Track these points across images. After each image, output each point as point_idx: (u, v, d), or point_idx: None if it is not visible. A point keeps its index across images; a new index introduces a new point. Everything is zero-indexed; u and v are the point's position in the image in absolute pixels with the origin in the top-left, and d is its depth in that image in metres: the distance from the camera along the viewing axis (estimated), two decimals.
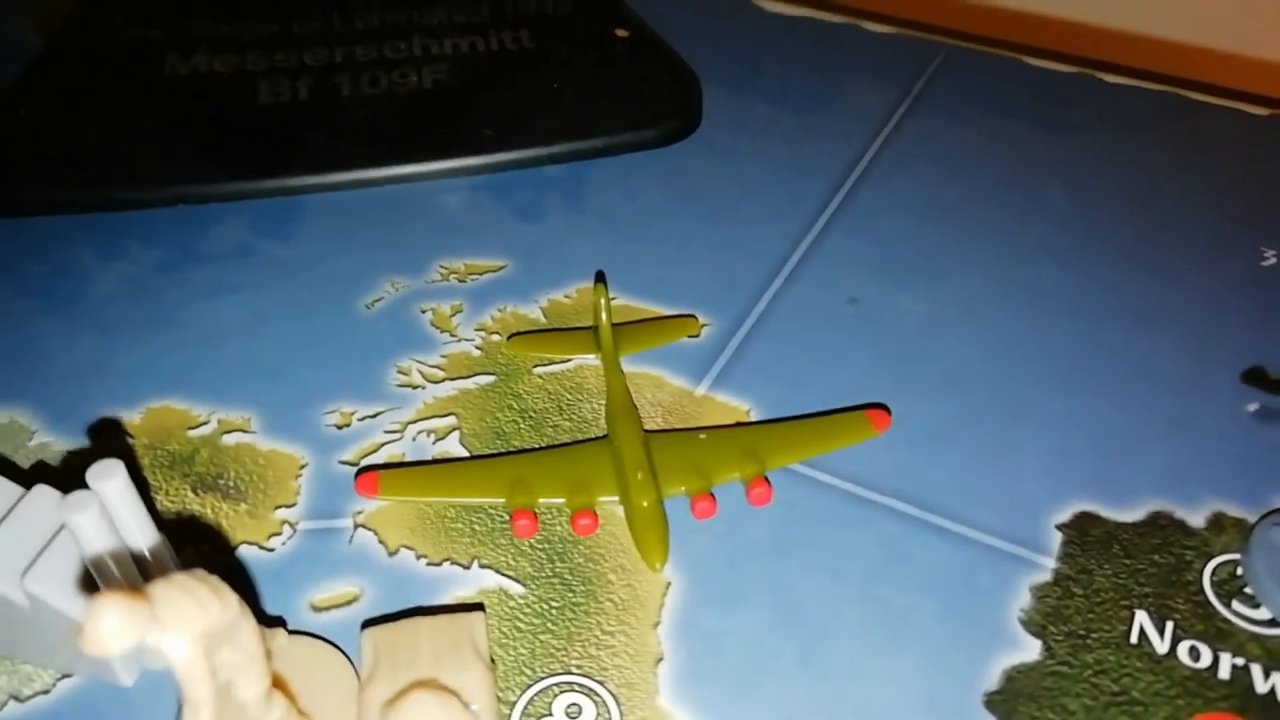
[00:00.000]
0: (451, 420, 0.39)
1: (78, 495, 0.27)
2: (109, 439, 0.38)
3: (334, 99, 0.52)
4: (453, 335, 0.42)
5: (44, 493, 0.31)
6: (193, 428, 0.38)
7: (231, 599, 0.24)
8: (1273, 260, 0.45)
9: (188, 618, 0.23)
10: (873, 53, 0.59)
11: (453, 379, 0.40)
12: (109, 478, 0.28)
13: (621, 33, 0.57)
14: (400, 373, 0.40)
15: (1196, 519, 0.35)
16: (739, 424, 0.38)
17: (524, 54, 0.55)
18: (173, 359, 0.41)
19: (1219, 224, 0.47)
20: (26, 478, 0.32)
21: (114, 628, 0.21)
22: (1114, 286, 0.44)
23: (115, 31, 0.56)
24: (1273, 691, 0.31)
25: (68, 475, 0.36)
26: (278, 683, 0.27)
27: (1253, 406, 0.34)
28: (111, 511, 0.28)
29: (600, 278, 0.42)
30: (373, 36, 0.56)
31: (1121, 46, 0.67)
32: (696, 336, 0.42)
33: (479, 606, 0.32)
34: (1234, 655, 0.32)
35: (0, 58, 0.56)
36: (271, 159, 0.49)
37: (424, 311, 0.43)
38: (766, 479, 0.35)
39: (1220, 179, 0.49)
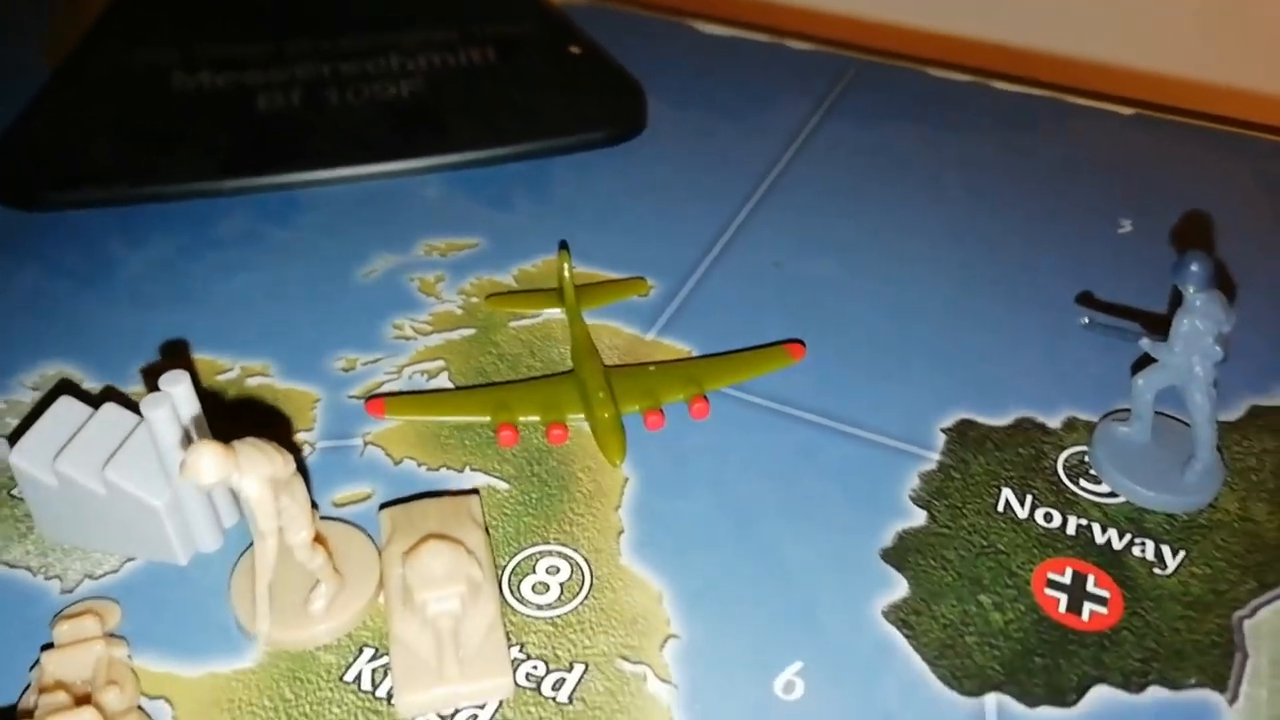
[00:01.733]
0: (441, 364, 0.46)
1: (154, 395, 0.34)
2: (151, 384, 0.45)
3: (324, 108, 0.60)
4: (438, 299, 0.49)
5: (112, 408, 0.37)
6: (220, 374, 0.45)
7: (290, 458, 0.31)
8: (1128, 228, 0.54)
9: (260, 465, 0.30)
10: (795, 66, 0.68)
11: (440, 332, 0.48)
12: (177, 383, 0.35)
13: (576, 49, 0.65)
14: (395, 328, 0.48)
15: (1054, 422, 0.43)
16: (682, 359, 0.46)
17: (490, 68, 0.63)
18: (198, 324, 0.48)
19: (1088, 202, 0.56)
20: None
21: (208, 464, 0.28)
22: (997, 253, 0.52)
23: (126, 54, 0.63)
24: (1109, 543, 0.39)
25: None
26: (319, 540, 0.34)
27: (1084, 320, 0.42)
28: (178, 409, 0.35)
29: (563, 245, 0.49)
30: (356, 54, 0.64)
31: (1011, 59, 0.76)
32: (645, 295, 0.50)
33: (474, 492, 0.39)
34: (1079, 518, 0.40)
35: (17, 80, 0.63)
36: (271, 159, 0.57)
37: (411, 280, 0.50)
38: (705, 398, 0.43)
39: (1091, 167, 0.58)
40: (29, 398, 0.44)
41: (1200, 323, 0.38)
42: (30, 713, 0.30)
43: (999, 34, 0.77)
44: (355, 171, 0.57)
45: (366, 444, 0.42)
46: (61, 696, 0.30)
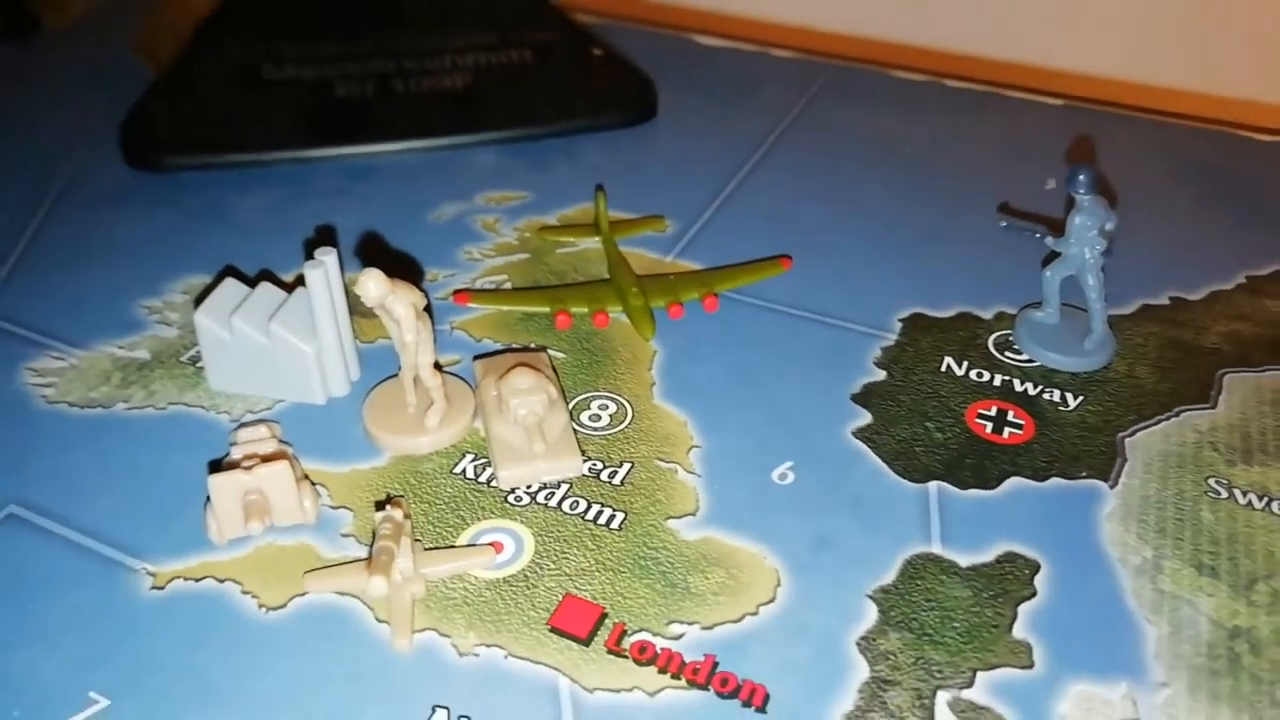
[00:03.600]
0: (504, 278, 0.58)
1: (311, 262, 0.46)
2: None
3: (392, 94, 0.72)
4: (497, 233, 0.62)
5: (267, 285, 0.49)
6: None
7: (423, 296, 0.43)
8: (1052, 186, 0.67)
9: (407, 292, 0.42)
10: (780, 69, 0.81)
11: (501, 256, 0.60)
12: (328, 254, 0.46)
13: (598, 52, 0.78)
14: (465, 253, 0.60)
15: (986, 314, 0.56)
16: (695, 270, 0.58)
17: (527, 65, 0.76)
18: (304, 251, 0.60)
19: (1022, 167, 0.68)
20: None
21: (374, 283, 0.40)
22: (946, 198, 0.65)
23: (223, 52, 0.76)
24: (1025, 391, 0.51)
25: None
26: (436, 367, 0.45)
27: (1003, 223, 0.54)
28: (329, 274, 0.46)
29: (599, 187, 0.62)
30: (415, 54, 0.76)
31: (962, 64, 0.90)
32: (663, 231, 0.62)
33: (544, 349, 0.51)
34: (1003, 375, 0.52)
35: (119, 74, 0.75)
36: (351, 132, 0.69)
37: (474, 220, 0.63)
38: (715, 295, 0.55)
39: (1026, 144, 0.71)
40: (180, 299, 0.56)
41: (1088, 219, 0.50)
42: (235, 463, 0.41)
43: (951, 43, 0.91)
44: (421, 144, 0.70)
45: (453, 329, 0.54)
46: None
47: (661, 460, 0.46)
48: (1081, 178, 0.50)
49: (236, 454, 0.42)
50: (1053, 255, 0.53)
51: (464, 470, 0.46)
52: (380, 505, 0.42)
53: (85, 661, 0.38)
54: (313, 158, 0.68)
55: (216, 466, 0.43)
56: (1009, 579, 0.41)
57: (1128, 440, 0.48)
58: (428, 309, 0.45)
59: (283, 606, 0.40)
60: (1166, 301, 0.57)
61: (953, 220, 0.63)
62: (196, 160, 0.67)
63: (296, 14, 0.80)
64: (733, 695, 0.37)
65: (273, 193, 0.65)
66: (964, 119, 0.75)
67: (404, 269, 0.58)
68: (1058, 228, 0.53)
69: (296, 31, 0.78)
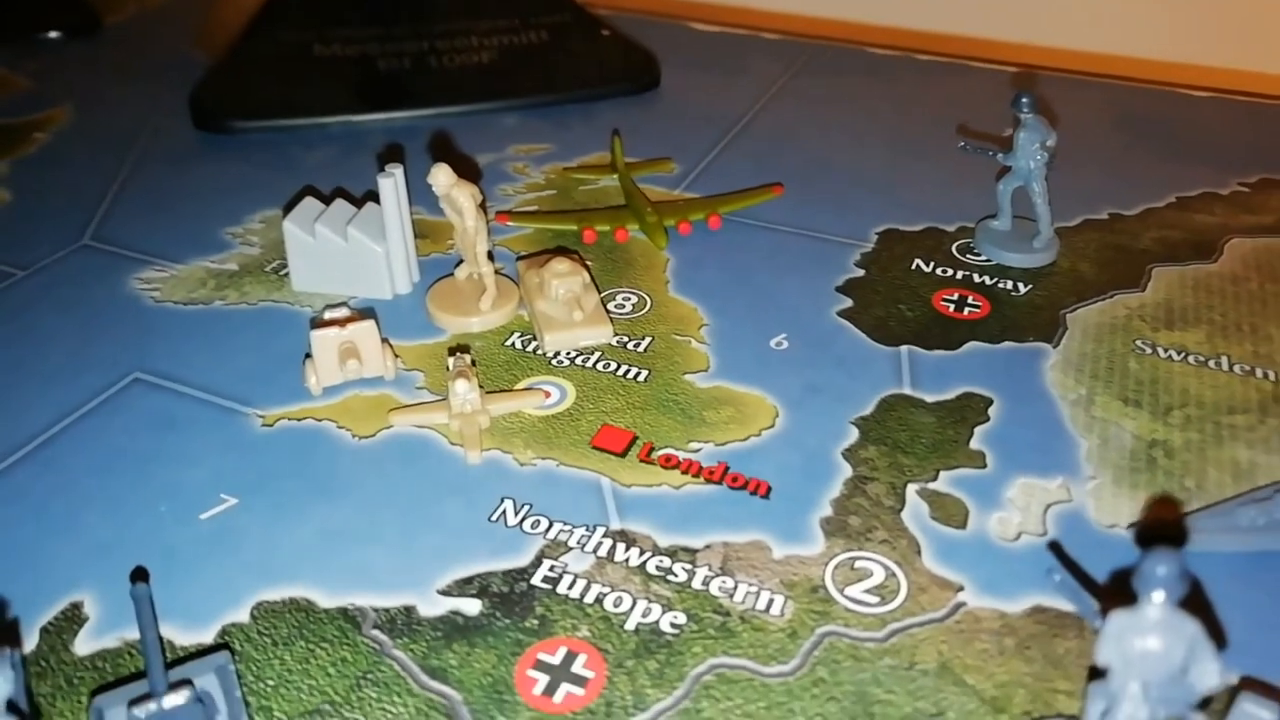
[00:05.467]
0: (536, 208, 0.67)
1: (384, 173, 0.55)
2: None
3: (427, 69, 0.82)
4: (526, 175, 0.71)
5: (340, 201, 0.58)
6: None
7: (481, 193, 0.52)
8: (964, 145, 0.76)
9: (470, 186, 0.51)
10: (769, 49, 0.91)
11: (531, 191, 0.69)
12: (397, 168, 0.55)
13: (606, 32, 0.88)
14: (499, 190, 0.69)
15: (950, 228, 0.65)
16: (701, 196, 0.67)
17: (544, 44, 0.86)
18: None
19: (980, 122, 0.78)
20: None
21: (444, 174, 0.50)
22: (912, 140, 0.75)
23: (277, 34, 0.86)
24: (983, 282, 0.60)
25: None
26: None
27: (961, 145, 0.64)
28: (397, 186, 0.55)
29: (615, 132, 0.71)
30: (445, 35, 0.86)
31: (931, 40, 1.00)
32: (671, 172, 0.71)
33: (576, 253, 0.60)
34: (964, 271, 0.61)
35: (181, 60, 0.85)
36: (393, 100, 0.78)
37: (505, 165, 0.72)
38: (719, 215, 0.64)
39: (986, 102, 0.81)
40: (258, 226, 0.65)
41: (1031, 135, 0.59)
42: (330, 322, 0.50)
43: (921, 23, 1.01)
44: (454, 109, 0.79)
45: (496, 244, 0.63)
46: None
47: (677, 335, 0.55)
48: (1024, 100, 0.59)
49: (329, 315, 0.50)
50: (1005, 171, 0.62)
51: (512, 343, 0.54)
52: (451, 352, 0.51)
53: (214, 475, 0.46)
54: (359, 122, 0.78)
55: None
56: (967, 410, 0.50)
57: (1069, 315, 0.57)
58: (482, 205, 0.54)
59: (372, 436, 0.48)
60: (1106, 216, 0.67)
61: (919, 159, 0.73)
62: (260, 124, 0.76)
63: (341, 2, 0.90)
64: (741, 489, 0.45)
65: (328, 149, 0.74)
66: (931, 84, 0.84)
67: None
68: (1008, 146, 0.62)
69: (341, 17, 0.88)
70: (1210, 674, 0.29)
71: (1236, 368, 0.53)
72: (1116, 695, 0.30)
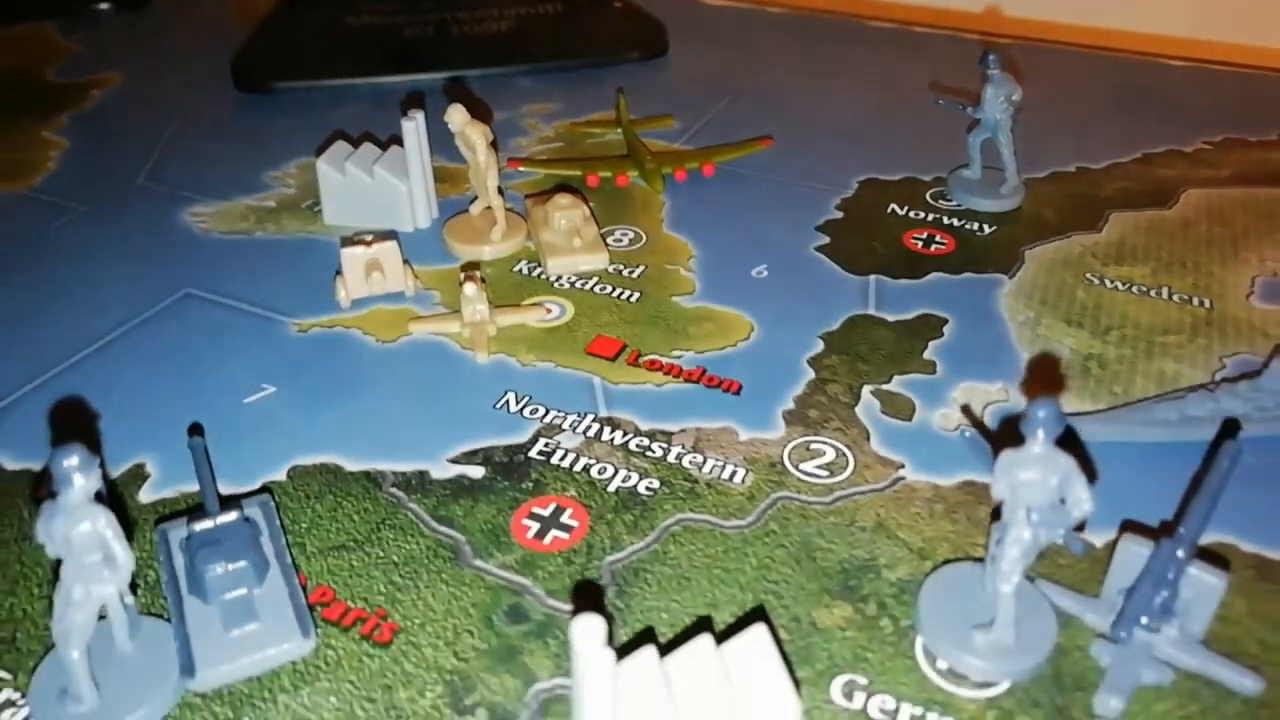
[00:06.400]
0: (545, 158, 0.73)
1: (407, 118, 0.61)
2: None
3: (450, 36, 0.88)
4: (538, 130, 0.77)
5: (367, 145, 0.65)
6: None
7: (492, 133, 0.58)
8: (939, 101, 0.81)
9: (480, 125, 0.57)
10: (770, 22, 0.97)
11: (541, 144, 0.75)
12: (419, 113, 0.62)
13: (619, 4, 0.94)
14: (514, 143, 0.75)
15: (927, 179, 0.70)
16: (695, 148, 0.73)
17: (560, 15, 0.92)
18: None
19: (953, 78, 0.83)
20: None
21: (460, 113, 0.56)
22: (891, 95, 0.80)
23: (310, 6, 0.92)
24: (952, 223, 0.65)
25: None
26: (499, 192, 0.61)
27: (937, 101, 0.69)
28: (419, 129, 0.62)
29: (620, 90, 0.77)
30: (467, 7, 0.93)
31: (927, 14, 1.05)
32: (671, 128, 0.77)
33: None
34: (935, 214, 0.66)
35: (223, 38, 0.92)
36: (415, 65, 0.85)
37: (521, 121, 0.78)
38: (713, 164, 0.70)
39: (958, 72, 0.86)
40: (294, 171, 0.71)
41: (997, 90, 0.65)
42: (357, 242, 0.56)
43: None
44: (473, 72, 0.85)
45: (508, 188, 0.69)
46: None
47: (669, 265, 0.61)
48: (991, 57, 0.65)
49: (357, 238, 0.57)
50: (975, 124, 0.68)
51: (520, 269, 0.61)
52: (464, 269, 0.57)
53: (255, 370, 0.53)
54: (386, 83, 0.84)
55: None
56: (924, 327, 0.56)
57: (1028, 251, 0.63)
58: (493, 145, 0.60)
59: (393, 341, 0.55)
60: (1073, 169, 0.72)
61: (905, 119, 0.79)
62: (295, 84, 0.83)
63: None
64: (716, 387, 0.51)
65: (358, 107, 0.81)
66: (923, 54, 0.90)
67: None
68: (978, 102, 0.67)
69: None
70: (1083, 501, 0.35)
71: (1175, 297, 0.58)
72: (1008, 523, 0.36)
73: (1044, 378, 0.52)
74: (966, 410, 0.49)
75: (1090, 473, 0.42)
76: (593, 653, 0.29)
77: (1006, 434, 0.38)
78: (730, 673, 0.33)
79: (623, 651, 0.32)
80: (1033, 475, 0.35)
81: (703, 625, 0.39)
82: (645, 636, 0.39)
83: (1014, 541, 0.36)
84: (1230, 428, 0.46)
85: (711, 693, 0.32)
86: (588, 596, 0.40)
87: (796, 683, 0.37)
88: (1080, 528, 0.36)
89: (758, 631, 0.34)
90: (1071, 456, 0.35)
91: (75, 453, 0.32)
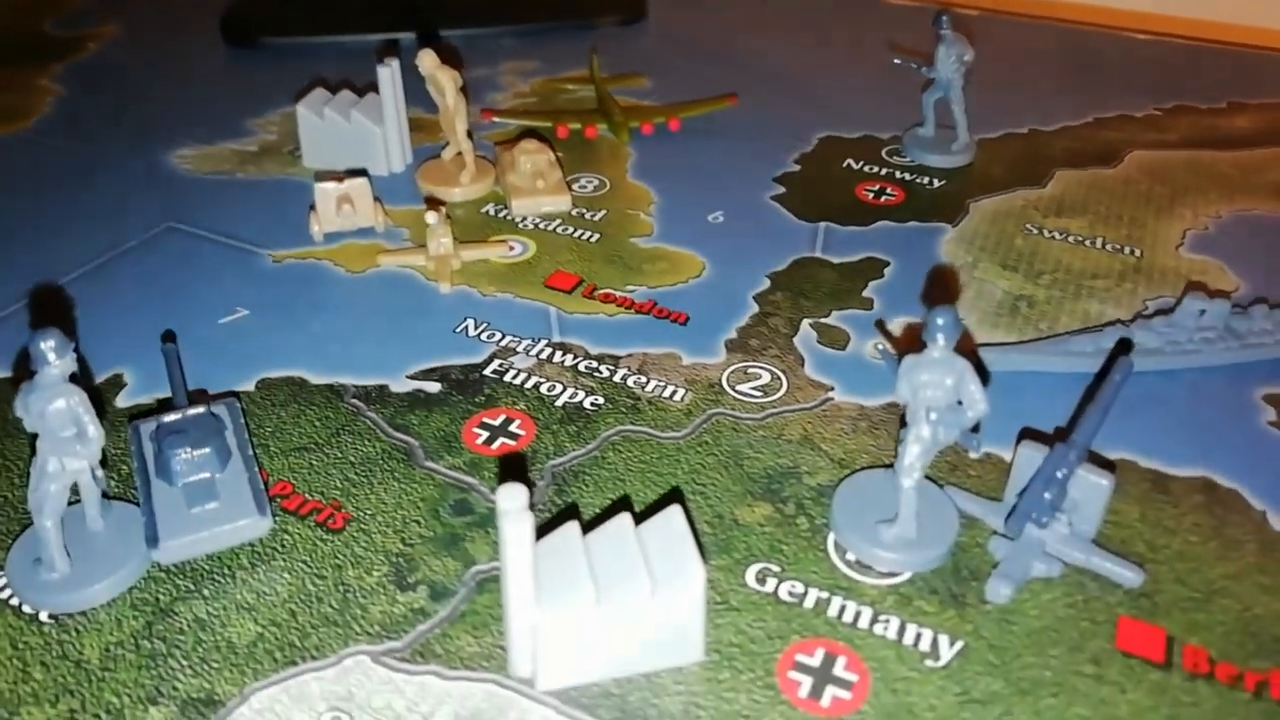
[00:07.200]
0: (518, 109, 0.76)
1: (382, 64, 0.64)
2: None
3: (440, 2, 0.91)
4: (515, 86, 0.80)
5: (346, 91, 0.67)
6: None
7: (461, 78, 0.61)
8: (898, 61, 0.84)
9: (450, 70, 0.60)
10: None
11: (517, 99, 0.78)
12: (394, 60, 0.65)
13: None
14: (490, 98, 0.78)
15: (884, 136, 0.73)
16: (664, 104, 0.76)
17: None
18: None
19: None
20: None
21: (431, 58, 0.59)
22: (857, 70, 0.83)
23: None
24: (904, 178, 0.68)
25: None
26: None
27: (895, 60, 0.72)
28: (394, 74, 0.65)
29: (594, 48, 0.80)
30: None
31: None
32: (643, 87, 0.80)
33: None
34: (888, 169, 0.69)
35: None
36: (398, 24, 0.88)
37: (498, 78, 0.81)
38: (680, 119, 0.73)
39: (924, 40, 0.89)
40: (277, 119, 0.74)
41: (950, 50, 0.68)
42: (330, 178, 0.59)
43: None
44: (456, 32, 0.88)
45: (481, 139, 0.72)
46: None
47: (629, 210, 0.64)
48: (944, 18, 0.68)
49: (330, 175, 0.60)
50: (929, 84, 0.70)
51: (487, 211, 0.64)
52: (428, 203, 0.60)
53: (231, 295, 0.56)
54: (372, 41, 0.87)
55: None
56: (866, 269, 0.59)
57: (973, 204, 0.66)
58: (464, 90, 0.63)
59: (362, 272, 0.58)
60: (1026, 131, 0.75)
61: (869, 83, 0.82)
62: (283, 40, 0.86)
63: None
64: (664, 318, 0.54)
65: (342, 62, 0.84)
66: (892, 25, 0.93)
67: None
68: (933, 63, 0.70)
69: None
70: (977, 401, 0.38)
71: (1109, 246, 0.61)
72: (910, 423, 0.39)
73: (943, 289, 0.56)
74: (880, 325, 0.53)
75: (983, 376, 0.45)
76: (514, 513, 0.32)
77: (915, 346, 0.40)
78: (644, 545, 0.36)
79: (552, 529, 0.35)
80: (931, 377, 0.38)
81: (624, 506, 0.42)
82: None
83: (915, 440, 0.39)
84: (1124, 346, 0.50)
85: (626, 561, 0.35)
86: (514, 471, 0.44)
87: (705, 557, 0.40)
88: (977, 429, 0.39)
89: (672, 512, 0.37)
90: (966, 360, 0.38)
91: (52, 336, 0.35)
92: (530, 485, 0.44)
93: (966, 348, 0.48)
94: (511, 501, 0.33)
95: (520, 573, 0.33)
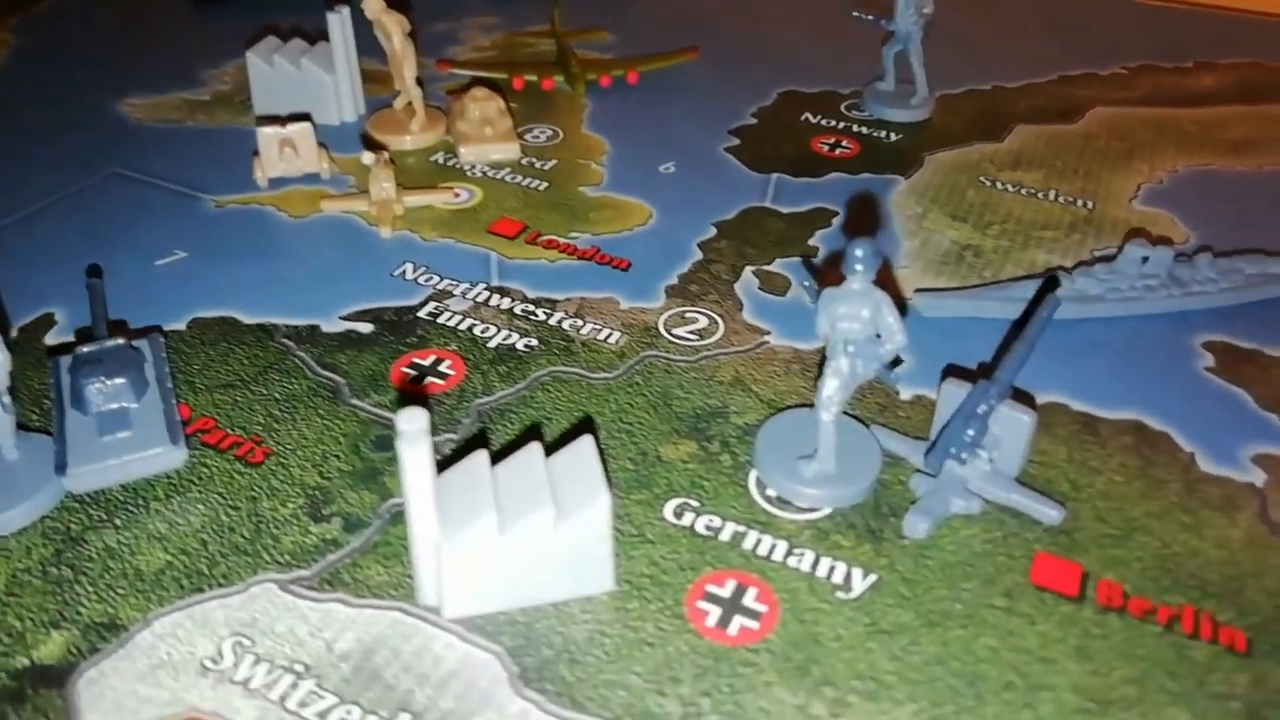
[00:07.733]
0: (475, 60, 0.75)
1: (332, 11, 0.63)
2: None
3: None
4: (476, 40, 0.79)
5: (298, 39, 0.67)
6: None
7: (409, 23, 0.61)
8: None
9: (397, 15, 0.59)
10: None
11: (477, 52, 0.77)
12: (344, 8, 0.64)
13: None
14: (450, 51, 0.77)
15: (845, 91, 0.73)
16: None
17: None
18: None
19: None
20: None
21: (375, 1, 0.58)
22: (817, 31, 0.82)
23: None
24: (860, 132, 0.67)
25: None
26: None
27: (855, 14, 0.71)
28: (344, 23, 0.64)
29: (556, 2, 0.79)
30: None
31: None
32: (604, 40, 0.79)
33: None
34: (845, 123, 0.68)
35: None
36: None
37: (460, 32, 0.80)
38: (637, 72, 0.72)
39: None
40: (231, 70, 0.74)
41: (909, 2, 0.67)
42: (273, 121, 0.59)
43: None
44: None
45: (438, 89, 0.71)
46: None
47: (581, 159, 0.64)
48: None
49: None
50: (889, 38, 0.70)
51: (437, 159, 0.63)
52: (369, 146, 0.60)
53: (171, 238, 0.55)
54: None
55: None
56: (815, 219, 0.58)
57: (929, 157, 0.65)
58: (411, 35, 0.62)
59: (305, 217, 0.57)
60: (989, 87, 0.74)
61: (834, 42, 0.81)
62: None
63: None
64: (606, 265, 0.54)
65: (301, 17, 0.83)
66: None
67: None
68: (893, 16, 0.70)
69: None
70: (895, 332, 0.38)
71: (1061, 199, 0.61)
72: (829, 356, 0.39)
73: (863, 221, 0.57)
74: (806, 262, 0.52)
75: (902, 308, 0.45)
76: (412, 434, 0.32)
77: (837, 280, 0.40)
78: (553, 474, 0.36)
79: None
80: (849, 309, 0.38)
81: (535, 436, 0.42)
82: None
83: (833, 373, 0.39)
84: (1052, 284, 0.49)
85: (533, 490, 0.35)
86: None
87: (621, 490, 0.40)
88: (897, 363, 0.39)
89: (583, 442, 0.36)
90: (885, 293, 0.38)
91: None
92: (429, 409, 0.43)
93: (886, 280, 0.48)
94: (410, 424, 0.32)
95: (420, 496, 0.33)
